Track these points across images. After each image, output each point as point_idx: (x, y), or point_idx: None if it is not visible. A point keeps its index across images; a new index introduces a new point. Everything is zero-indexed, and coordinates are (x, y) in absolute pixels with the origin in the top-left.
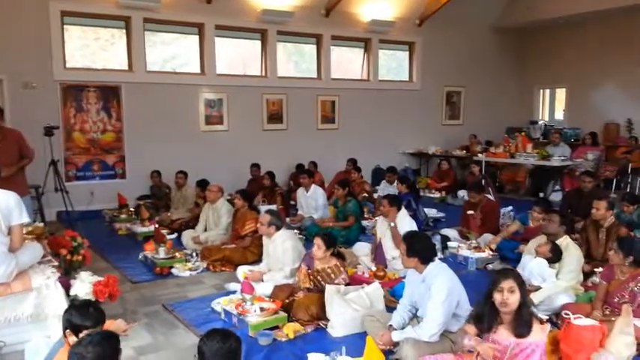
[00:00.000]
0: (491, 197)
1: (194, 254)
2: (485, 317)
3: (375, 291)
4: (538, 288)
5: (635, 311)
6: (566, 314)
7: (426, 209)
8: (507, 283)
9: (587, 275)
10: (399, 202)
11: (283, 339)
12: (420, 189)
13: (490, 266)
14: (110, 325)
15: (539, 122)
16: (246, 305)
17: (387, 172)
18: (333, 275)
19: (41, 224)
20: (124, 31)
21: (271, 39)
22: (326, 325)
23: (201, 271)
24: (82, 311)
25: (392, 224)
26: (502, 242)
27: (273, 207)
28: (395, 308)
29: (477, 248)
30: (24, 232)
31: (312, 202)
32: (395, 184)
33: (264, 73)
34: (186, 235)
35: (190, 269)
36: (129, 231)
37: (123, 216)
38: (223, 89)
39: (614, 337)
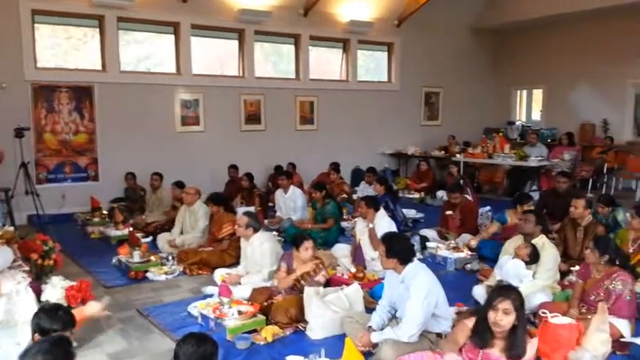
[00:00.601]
0: (469, 197)
1: (170, 258)
2: (480, 332)
3: (354, 292)
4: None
5: (610, 309)
6: (543, 313)
7: (405, 210)
8: (503, 304)
9: (564, 274)
10: (377, 203)
11: (261, 342)
12: (398, 190)
13: (469, 266)
14: (84, 311)
15: (517, 123)
16: (224, 309)
17: (367, 173)
18: (313, 273)
19: (11, 228)
20: (97, 30)
21: (249, 39)
22: (305, 328)
23: (178, 275)
24: (50, 315)
25: (370, 225)
26: (481, 241)
27: (252, 209)
28: (374, 309)
29: (456, 248)
30: None
31: (291, 203)
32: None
33: (241, 74)
34: (162, 239)
35: (166, 273)
36: (102, 235)
37: (96, 219)
38: (199, 89)
39: (591, 334)
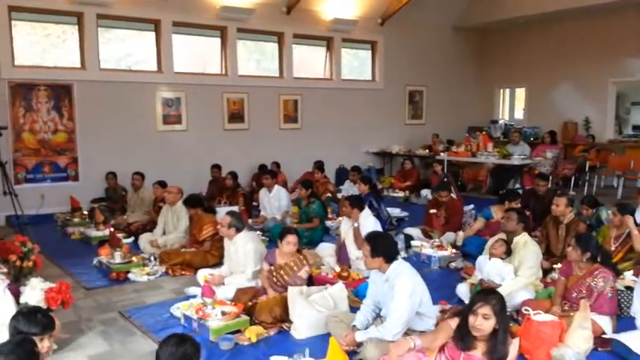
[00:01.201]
0: (454, 196)
1: (152, 258)
2: (462, 335)
3: (338, 292)
4: (499, 286)
5: (592, 306)
6: (526, 310)
7: (389, 208)
8: (483, 310)
9: (546, 271)
10: (362, 202)
11: (245, 343)
12: (382, 188)
13: (453, 264)
14: None
15: (500, 121)
16: (207, 309)
17: (351, 172)
18: (295, 268)
19: None
20: (77, 27)
21: (231, 37)
22: (289, 328)
23: (160, 276)
24: (29, 318)
25: (355, 225)
26: (466, 238)
27: (235, 208)
28: (359, 308)
29: (440, 247)
30: None
31: (276, 202)
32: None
33: (224, 72)
34: (144, 239)
35: (148, 274)
36: (82, 235)
37: (76, 220)
38: (181, 88)
39: (573, 331)
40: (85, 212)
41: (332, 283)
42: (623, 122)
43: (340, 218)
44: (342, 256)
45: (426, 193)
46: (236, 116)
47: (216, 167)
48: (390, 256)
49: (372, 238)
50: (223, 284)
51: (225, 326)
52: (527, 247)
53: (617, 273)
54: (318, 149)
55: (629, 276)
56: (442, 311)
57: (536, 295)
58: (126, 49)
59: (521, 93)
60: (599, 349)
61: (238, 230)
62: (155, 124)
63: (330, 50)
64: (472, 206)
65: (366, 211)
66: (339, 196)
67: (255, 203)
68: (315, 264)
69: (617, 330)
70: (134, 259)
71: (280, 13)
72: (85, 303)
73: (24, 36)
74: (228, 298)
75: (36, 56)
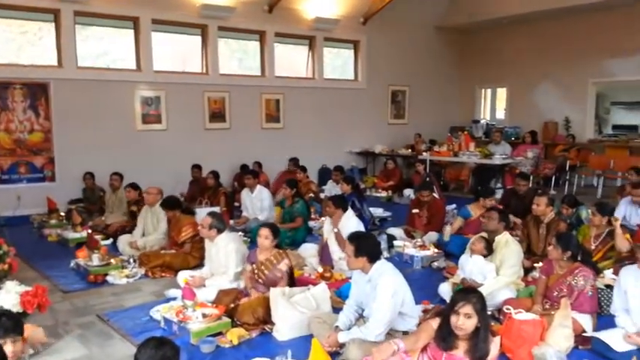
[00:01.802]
0: (436, 195)
1: (131, 260)
2: (444, 335)
3: (321, 292)
4: (480, 285)
5: (572, 304)
6: (507, 309)
7: (372, 208)
8: (464, 309)
9: (527, 270)
10: (345, 202)
11: (227, 345)
12: (365, 188)
13: (435, 264)
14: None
15: (481, 121)
16: (188, 312)
17: (334, 172)
18: (275, 261)
19: None
20: (53, 24)
21: (212, 35)
22: (271, 329)
23: (139, 278)
24: None
25: (335, 230)
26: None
27: (217, 208)
28: (342, 309)
29: (422, 246)
30: None
31: (258, 203)
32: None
33: (205, 70)
34: (123, 241)
35: (127, 276)
36: (59, 237)
37: (53, 221)
38: (161, 86)
39: (554, 330)
40: (62, 213)
41: (314, 284)
42: (602, 122)
43: (323, 218)
44: (324, 256)
45: (408, 192)
46: (217, 115)
47: (197, 167)
48: (373, 256)
49: (355, 238)
50: (204, 286)
51: (206, 329)
52: (508, 246)
53: (598, 271)
54: (301, 149)
55: (609, 274)
56: (424, 311)
57: (517, 294)
58: (104, 47)
59: (502, 93)
60: (580, 347)
61: (219, 231)
62: (134, 124)
63: (313, 49)
64: (454, 206)
65: (349, 212)
66: (322, 196)
67: (236, 204)
68: (297, 265)
69: (597, 328)
70: (113, 261)
71: (262, 11)
72: (62, 306)
73: None
74: (209, 300)
75: (11, 54)
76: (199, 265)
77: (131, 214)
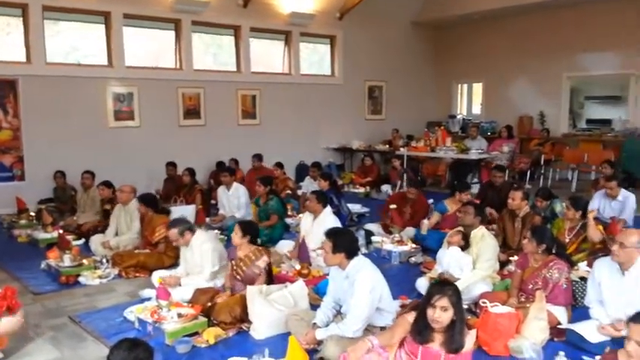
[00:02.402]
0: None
1: (104, 261)
2: (420, 328)
3: (299, 290)
4: (457, 279)
5: (547, 297)
6: (483, 303)
7: (350, 204)
8: (440, 302)
9: (503, 264)
10: (326, 198)
11: (203, 345)
12: (343, 184)
13: (413, 259)
14: None
15: (458, 116)
16: (162, 312)
17: (311, 168)
18: (254, 257)
19: None
20: (21, 19)
21: (186, 30)
22: (249, 328)
23: (113, 279)
24: None
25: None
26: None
27: (192, 207)
28: (320, 306)
29: (400, 242)
30: None
31: (234, 200)
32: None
33: (178, 66)
34: (95, 241)
35: (100, 277)
36: (30, 238)
37: (23, 221)
38: (134, 82)
39: (529, 322)
40: (33, 213)
41: (292, 281)
42: (577, 116)
43: (300, 215)
44: (302, 253)
45: (386, 188)
46: (192, 112)
47: (172, 165)
48: (351, 252)
49: (333, 234)
50: (180, 285)
51: (181, 329)
52: (484, 240)
53: (572, 264)
54: (278, 145)
55: (583, 267)
56: (402, 306)
57: (493, 288)
58: (74, 43)
59: (478, 88)
60: (555, 339)
61: (192, 231)
62: (106, 121)
63: (289, 45)
64: (431, 201)
65: (328, 209)
66: (299, 192)
67: (213, 201)
68: (275, 262)
69: (572, 320)
70: (85, 261)
71: (236, 5)
72: (33, 308)
73: None
74: (185, 299)
75: None
76: (174, 264)
77: (104, 213)
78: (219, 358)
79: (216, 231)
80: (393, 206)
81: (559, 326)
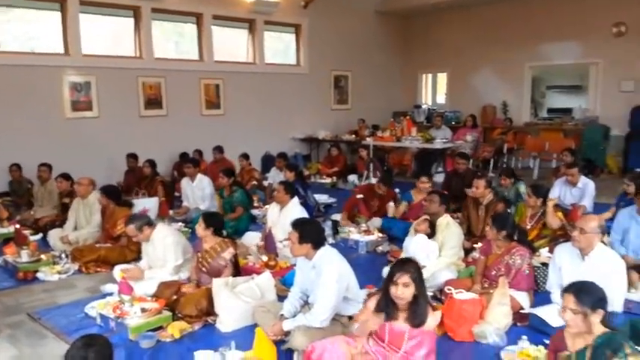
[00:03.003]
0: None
1: (63, 256)
2: (385, 307)
3: (265, 281)
4: (423, 267)
5: (510, 283)
6: (448, 289)
7: (317, 195)
8: (402, 279)
9: (467, 251)
10: (294, 189)
11: (168, 339)
12: (309, 175)
13: (380, 248)
14: None
15: (423, 106)
16: (125, 307)
17: (277, 159)
18: (219, 249)
19: None
20: None
21: (145, 17)
22: (214, 321)
23: (73, 274)
24: None
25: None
26: (392, 221)
27: (155, 199)
28: (287, 297)
29: (367, 231)
30: None
31: (199, 192)
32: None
33: (138, 54)
34: (54, 235)
35: (59, 272)
36: None
37: None
38: (92, 71)
39: (492, 308)
40: None
41: (259, 273)
42: (538, 105)
43: (267, 206)
44: (268, 244)
45: (353, 178)
46: (153, 102)
47: (132, 156)
48: (317, 243)
49: (299, 224)
50: (143, 279)
51: (145, 323)
52: (449, 228)
53: (534, 250)
54: (243, 136)
55: (544, 253)
56: (369, 295)
57: (458, 275)
58: (29, 30)
59: (442, 78)
60: (518, 323)
61: (150, 224)
62: (63, 111)
63: (253, 33)
64: (397, 190)
65: (295, 200)
66: (265, 183)
67: (177, 193)
68: (241, 254)
69: (534, 305)
70: (43, 257)
71: None
72: None
73: None
74: (148, 294)
75: None
76: (137, 258)
77: (63, 207)
78: (185, 351)
79: (180, 223)
80: (359, 196)
81: (522, 311)
